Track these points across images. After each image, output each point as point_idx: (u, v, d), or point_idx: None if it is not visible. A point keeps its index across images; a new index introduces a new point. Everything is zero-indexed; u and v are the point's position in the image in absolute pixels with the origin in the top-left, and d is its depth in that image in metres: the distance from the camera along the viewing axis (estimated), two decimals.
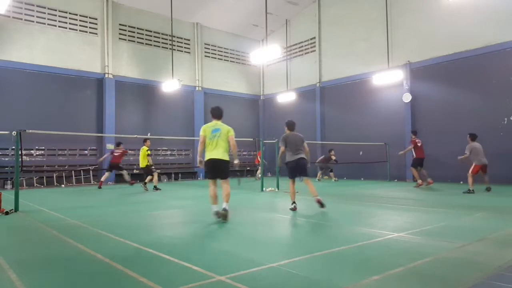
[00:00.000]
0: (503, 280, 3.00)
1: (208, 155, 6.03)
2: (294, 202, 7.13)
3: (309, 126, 18.74)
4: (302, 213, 6.86)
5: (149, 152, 12.22)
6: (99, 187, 12.93)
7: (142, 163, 12.23)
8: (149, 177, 12.24)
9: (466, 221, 5.87)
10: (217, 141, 5.99)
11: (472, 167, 10.17)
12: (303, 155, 7.14)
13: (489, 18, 12.99)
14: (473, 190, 9.82)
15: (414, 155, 12.12)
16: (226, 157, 6.05)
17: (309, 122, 18.90)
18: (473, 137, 10.32)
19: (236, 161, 6.43)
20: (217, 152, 5.98)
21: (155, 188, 12.07)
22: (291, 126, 7.39)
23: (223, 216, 5.74)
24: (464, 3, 13.21)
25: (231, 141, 6.10)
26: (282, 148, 7.23)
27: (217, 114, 6.28)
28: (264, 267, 3.44)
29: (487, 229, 5.15)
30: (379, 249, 4.13)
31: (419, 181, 11.85)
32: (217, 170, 6.05)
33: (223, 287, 2.94)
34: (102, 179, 13.28)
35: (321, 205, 6.80)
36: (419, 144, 12.07)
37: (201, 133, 6.11)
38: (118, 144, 13.68)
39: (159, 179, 12.34)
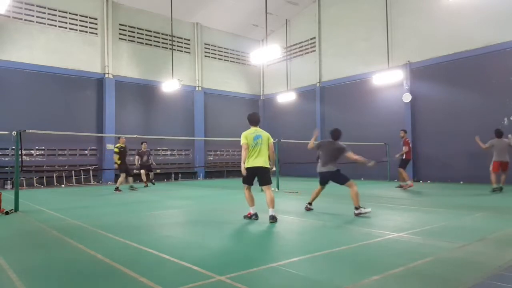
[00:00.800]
0: (503, 280, 3.00)
1: (250, 163, 5.99)
2: (310, 203, 7.09)
3: (309, 126, 18.71)
4: (302, 213, 6.87)
5: (116, 150, 11.63)
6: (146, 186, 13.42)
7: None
8: (130, 178, 12.00)
9: (466, 221, 5.87)
10: (259, 148, 5.98)
11: (492, 164, 10.16)
12: (332, 169, 6.91)
13: (489, 18, 12.99)
14: (498, 187, 9.87)
15: (404, 156, 11.83)
16: (268, 164, 6.08)
17: (309, 122, 18.89)
18: (498, 134, 10.24)
19: (274, 168, 6.41)
20: (260, 160, 5.97)
21: (117, 189, 11.49)
22: (334, 134, 7.12)
23: (274, 221, 5.79)
24: (464, 3, 13.22)
25: (272, 148, 6.18)
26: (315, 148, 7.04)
27: (255, 120, 6.27)
28: (264, 267, 3.44)
29: (487, 229, 5.15)
30: (379, 249, 4.14)
31: (409, 182, 11.65)
32: (259, 177, 6.08)
33: (223, 287, 2.94)
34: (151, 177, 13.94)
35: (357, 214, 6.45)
36: (410, 145, 11.98)
37: (243, 140, 6.03)
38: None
39: (129, 181, 12.19)
